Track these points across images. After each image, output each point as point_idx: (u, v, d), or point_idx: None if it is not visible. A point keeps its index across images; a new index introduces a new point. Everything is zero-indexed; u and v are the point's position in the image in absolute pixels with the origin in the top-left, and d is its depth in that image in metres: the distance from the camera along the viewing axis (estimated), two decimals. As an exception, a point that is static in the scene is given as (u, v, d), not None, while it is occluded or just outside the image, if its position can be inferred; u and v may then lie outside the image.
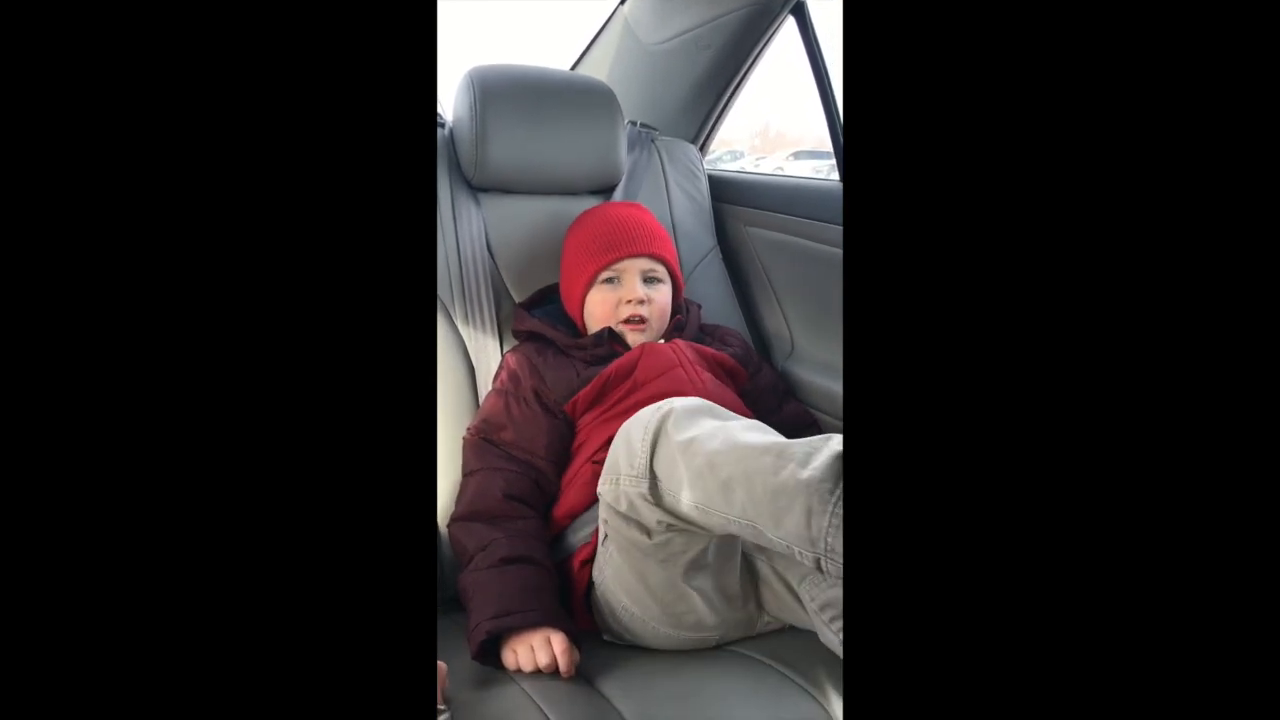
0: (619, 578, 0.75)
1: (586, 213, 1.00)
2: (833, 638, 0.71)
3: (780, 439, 0.64)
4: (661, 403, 0.69)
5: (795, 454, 0.61)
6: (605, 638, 0.79)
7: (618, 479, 0.68)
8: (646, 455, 0.66)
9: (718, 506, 0.63)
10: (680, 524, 0.67)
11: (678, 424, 0.66)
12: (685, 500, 0.64)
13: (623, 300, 0.93)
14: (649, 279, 0.95)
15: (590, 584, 0.80)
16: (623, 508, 0.69)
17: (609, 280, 0.94)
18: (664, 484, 0.65)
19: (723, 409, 0.70)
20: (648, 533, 0.69)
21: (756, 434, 0.65)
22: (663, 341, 0.93)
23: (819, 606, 0.72)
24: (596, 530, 0.80)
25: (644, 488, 0.66)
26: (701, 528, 0.67)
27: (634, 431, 0.68)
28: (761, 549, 0.76)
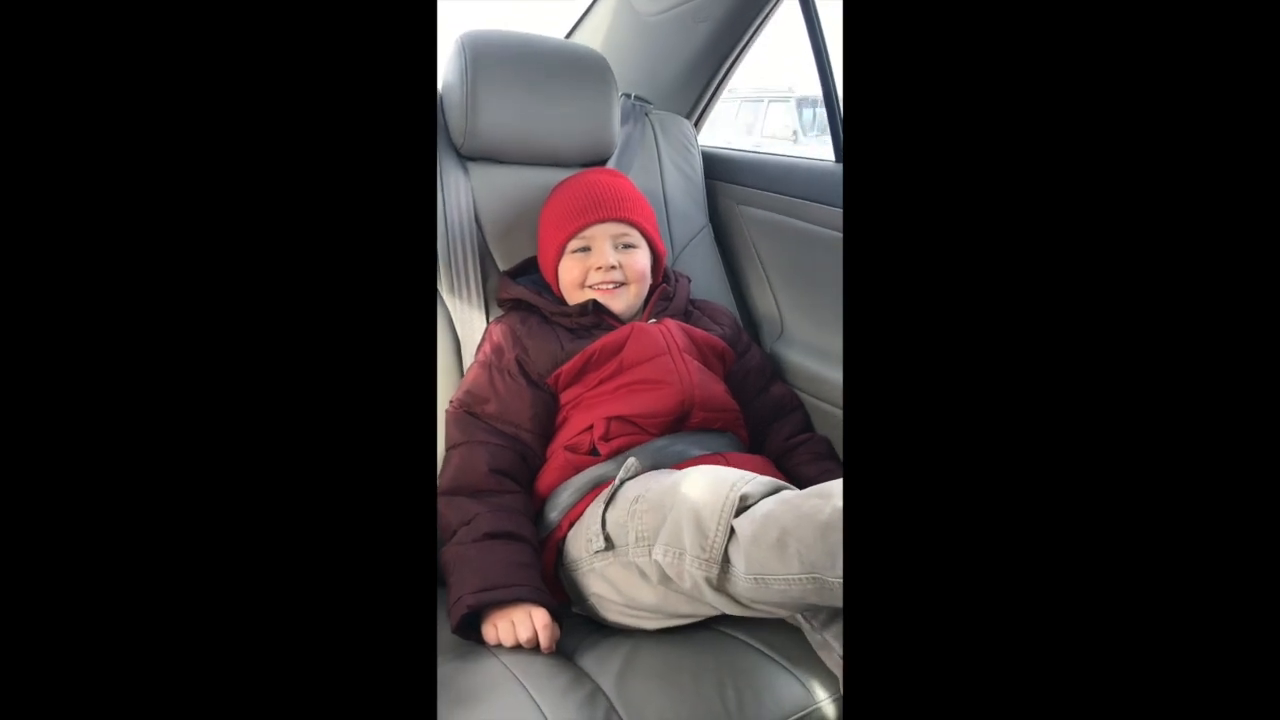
0: (602, 585, 0.75)
1: (561, 182, 0.98)
2: (817, 636, 0.70)
3: (826, 484, 0.62)
4: (733, 479, 0.66)
5: (835, 490, 0.60)
6: (574, 610, 0.79)
7: (681, 554, 0.65)
8: (722, 541, 0.63)
9: (774, 569, 0.61)
10: (735, 608, 0.66)
11: (751, 509, 0.64)
12: (740, 571, 0.63)
13: (592, 268, 0.91)
14: (621, 244, 0.93)
15: (559, 561, 0.79)
16: (685, 585, 0.67)
17: (581, 249, 0.93)
18: (735, 569, 0.63)
19: (787, 483, 0.68)
20: (687, 601, 0.68)
21: (806, 490, 0.64)
22: (653, 321, 0.92)
23: (809, 614, 0.71)
24: (572, 510, 0.80)
25: (713, 573, 0.64)
26: (755, 604, 0.65)
27: (705, 511, 0.65)
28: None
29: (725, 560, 0.64)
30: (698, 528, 0.65)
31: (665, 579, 0.69)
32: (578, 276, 0.92)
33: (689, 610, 0.72)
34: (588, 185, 0.95)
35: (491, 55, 1.01)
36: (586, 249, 0.93)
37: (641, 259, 0.94)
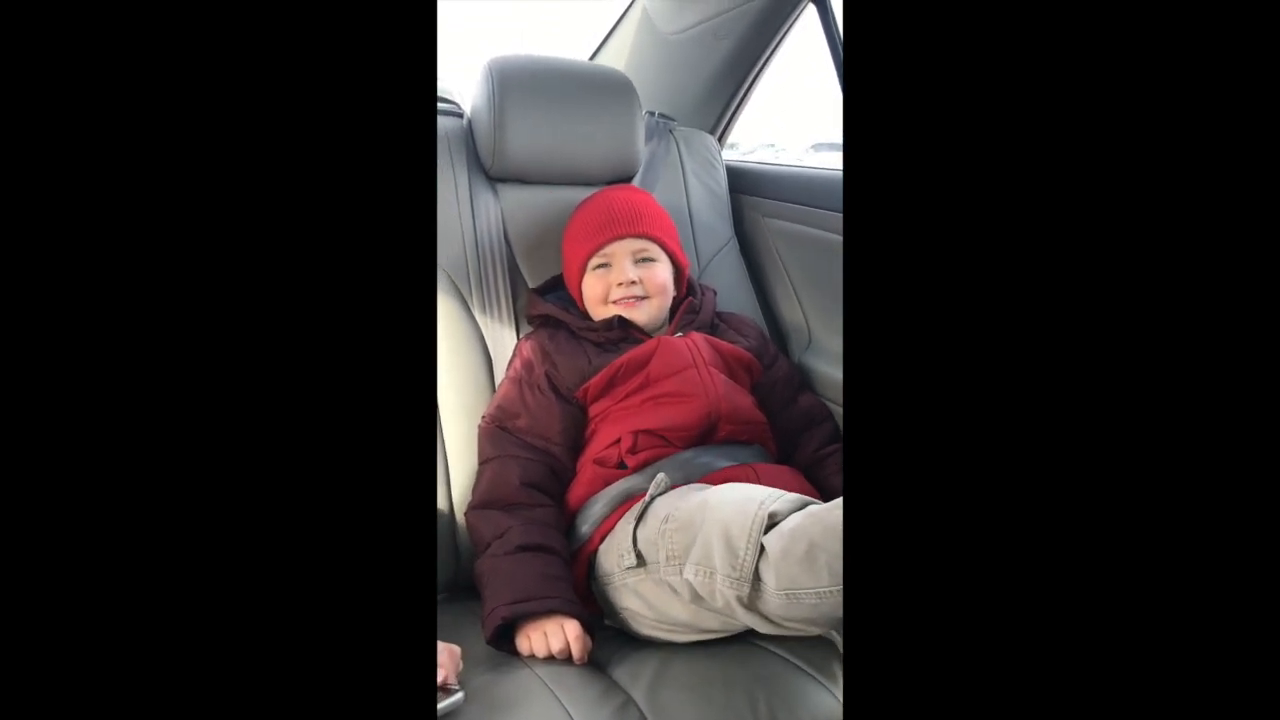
0: (634, 600, 0.75)
1: (583, 201, 1.00)
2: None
3: None
4: (761, 496, 0.67)
5: None
6: (607, 622, 0.80)
7: (712, 574, 0.66)
8: (753, 560, 0.64)
9: (804, 583, 0.61)
10: (768, 626, 0.67)
11: (780, 525, 0.64)
12: (771, 587, 0.63)
13: (614, 284, 0.93)
14: (640, 259, 0.94)
15: (591, 574, 0.80)
16: (718, 604, 0.67)
17: (602, 265, 0.94)
18: (766, 586, 0.64)
19: (815, 498, 0.69)
20: (719, 617, 0.69)
21: (832, 503, 0.64)
22: (679, 334, 0.93)
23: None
24: (603, 523, 0.81)
25: (745, 592, 0.64)
26: (787, 622, 0.65)
27: (734, 529, 0.65)
28: None
29: (756, 578, 0.64)
30: (728, 547, 0.65)
31: (697, 597, 0.69)
32: (601, 292, 0.94)
33: (720, 625, 0.72)
34: (606, 203, 0.97)
35: (518, 79, 1.04)
36: (607, 265, 0.94)
37: (661, 272, 0.95)
